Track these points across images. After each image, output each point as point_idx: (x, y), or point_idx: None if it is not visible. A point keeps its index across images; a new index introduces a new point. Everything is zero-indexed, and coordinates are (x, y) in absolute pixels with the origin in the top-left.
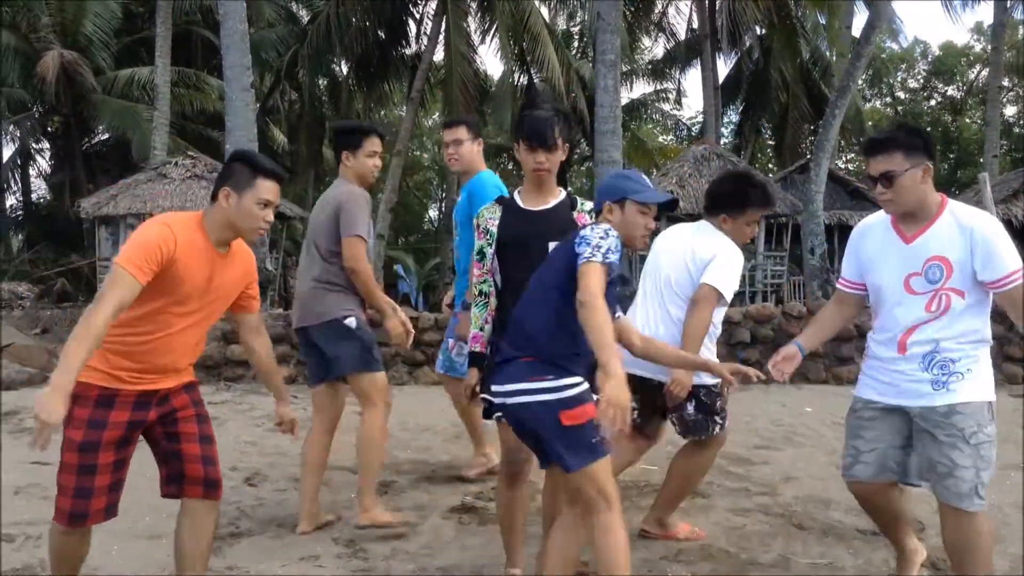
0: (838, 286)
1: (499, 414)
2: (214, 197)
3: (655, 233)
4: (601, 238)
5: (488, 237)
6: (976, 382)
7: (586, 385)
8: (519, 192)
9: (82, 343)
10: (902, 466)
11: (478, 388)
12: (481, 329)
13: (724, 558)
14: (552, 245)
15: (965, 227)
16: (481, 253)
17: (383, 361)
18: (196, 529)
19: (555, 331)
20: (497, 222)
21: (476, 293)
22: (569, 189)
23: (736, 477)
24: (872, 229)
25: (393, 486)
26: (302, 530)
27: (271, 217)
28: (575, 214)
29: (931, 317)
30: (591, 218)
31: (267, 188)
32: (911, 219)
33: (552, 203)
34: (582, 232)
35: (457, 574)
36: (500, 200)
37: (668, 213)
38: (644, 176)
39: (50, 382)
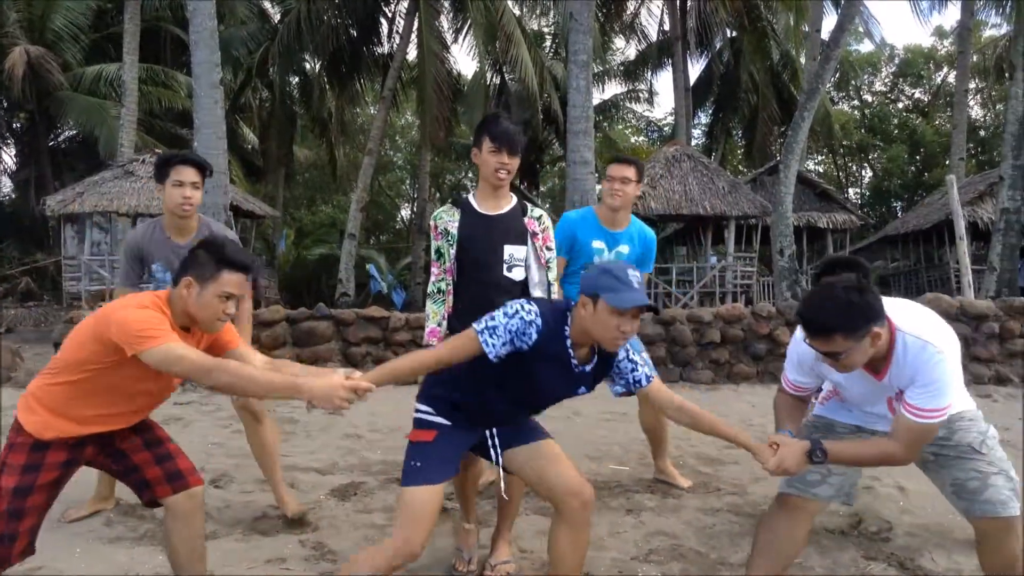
0: (790, 391)
1: None
2: (175, 282)
3: None
4: (503, 312)
5: (448, 238)
6: (958, 395)
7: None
8: (473, 196)
9: (264, 376)
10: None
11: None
12: (439, 325)
13: (695, 558)
14: (507, 248)
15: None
16: (439, 253)
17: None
18: (180, 523)
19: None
20: (456, 224)
21: (435, 291)
22: (540, 191)
23: (706, 476)
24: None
25: (363, 487)
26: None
27: (232, 310)
28: (525, 219)
29: None
30: (539, 224)
31: (232, 282)
32: (871, 364)
33: (506, 208)
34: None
35: (426, 574)
36: (456, 202)
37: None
38: (631, 271)
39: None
